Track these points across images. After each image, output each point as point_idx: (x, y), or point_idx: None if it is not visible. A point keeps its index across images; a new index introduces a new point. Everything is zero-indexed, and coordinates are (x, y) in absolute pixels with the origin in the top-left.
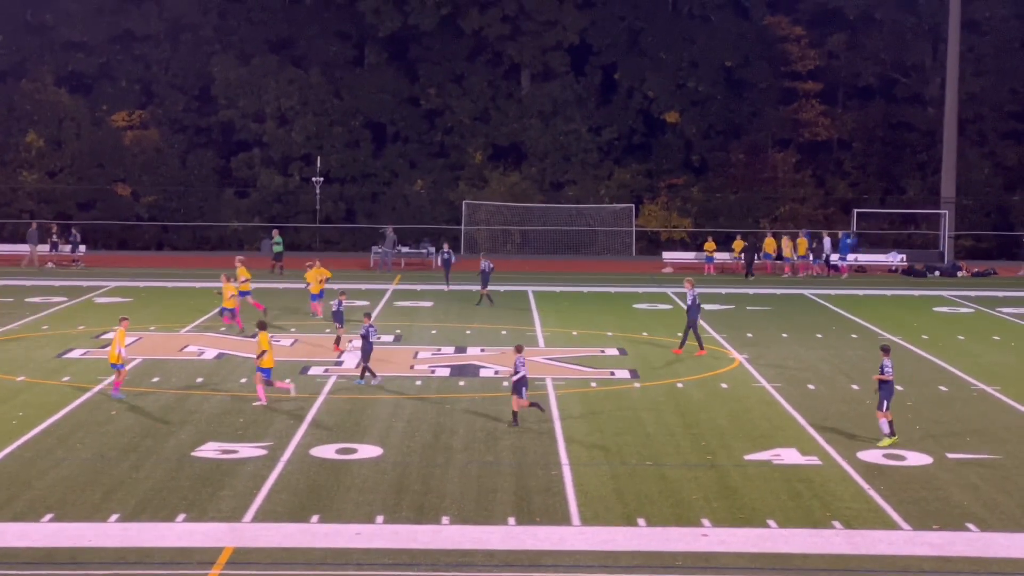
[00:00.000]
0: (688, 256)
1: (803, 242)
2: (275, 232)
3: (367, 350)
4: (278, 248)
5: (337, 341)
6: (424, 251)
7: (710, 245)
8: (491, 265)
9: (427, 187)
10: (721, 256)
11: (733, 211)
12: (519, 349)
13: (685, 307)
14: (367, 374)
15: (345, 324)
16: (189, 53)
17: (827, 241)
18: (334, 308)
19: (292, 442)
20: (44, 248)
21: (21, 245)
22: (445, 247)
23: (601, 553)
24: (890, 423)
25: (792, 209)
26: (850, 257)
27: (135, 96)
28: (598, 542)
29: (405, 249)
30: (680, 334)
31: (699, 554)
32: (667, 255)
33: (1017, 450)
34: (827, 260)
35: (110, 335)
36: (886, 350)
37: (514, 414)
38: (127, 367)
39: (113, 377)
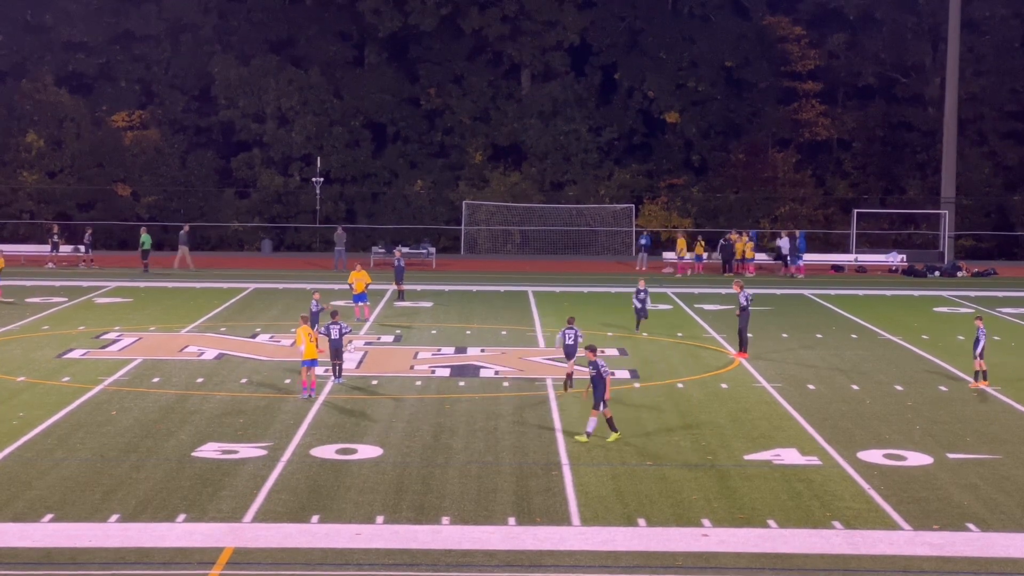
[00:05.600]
0: (687, 256)
1: (682, 241)
2: (143, 230)
3: (334, 348)
4: (145, 247)
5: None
6: (424, 251)
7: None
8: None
9: (427, 187)
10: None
11: (733, 211)
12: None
13: (738, 309)
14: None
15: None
16: (189, 53)
17: (784, 241)
18: (312, 310)
19: (292, 442)
20: (45, 248)
21: (21, 245)
22: (398, 252)
23: (601, 553)
24: (610, 420)
25: (792, 209)
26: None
27: (135, 96)
28: (598, 542)
29: (407, 249)
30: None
31: (699, 554)
32: (667, 255)
33: (1017, 450)
34: (785, 261)
35: (110, 335)
36: (592, 349)
37: None
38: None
39: (309, 374)
